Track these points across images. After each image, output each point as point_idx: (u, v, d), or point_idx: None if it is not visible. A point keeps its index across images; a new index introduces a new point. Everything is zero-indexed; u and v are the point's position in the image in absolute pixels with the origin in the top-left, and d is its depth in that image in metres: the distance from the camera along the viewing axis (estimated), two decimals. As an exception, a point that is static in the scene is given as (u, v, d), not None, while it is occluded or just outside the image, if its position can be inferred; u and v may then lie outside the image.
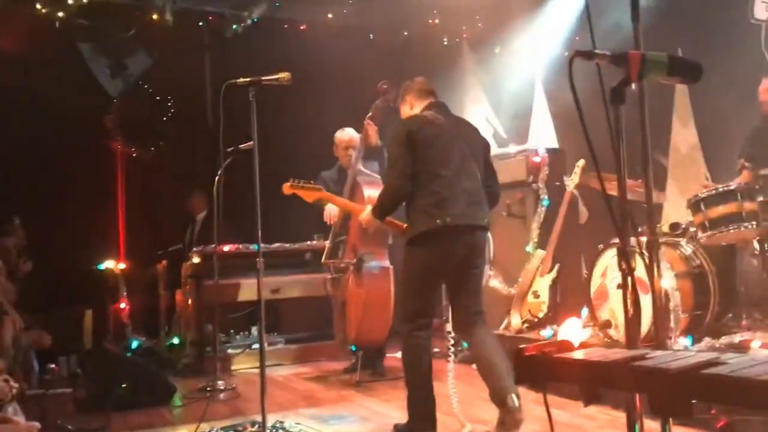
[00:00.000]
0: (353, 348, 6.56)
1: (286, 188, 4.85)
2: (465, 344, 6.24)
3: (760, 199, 4.42)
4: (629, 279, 1.61)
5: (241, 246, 6.38)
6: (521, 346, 1.27)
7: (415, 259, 3.73)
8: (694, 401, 1.10)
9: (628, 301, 1.61)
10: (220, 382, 5.33)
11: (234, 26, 7.25)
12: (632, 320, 1.62)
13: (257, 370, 3.91)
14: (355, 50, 7.45)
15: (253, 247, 5.88)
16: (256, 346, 6.08)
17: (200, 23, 7.28)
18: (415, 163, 3.66)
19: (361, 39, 7.75)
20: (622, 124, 1.63)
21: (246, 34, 7.32)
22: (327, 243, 5.57)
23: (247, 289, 6.16)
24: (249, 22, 7.23)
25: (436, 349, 6.36)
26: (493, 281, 6.13)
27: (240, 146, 5.06)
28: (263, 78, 3.69)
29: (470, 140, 3.90)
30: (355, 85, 6.99)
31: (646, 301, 3.79)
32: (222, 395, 5.20)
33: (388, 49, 7.74)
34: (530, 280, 5.60)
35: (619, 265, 1.62)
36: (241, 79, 3.70)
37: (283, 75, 3.70)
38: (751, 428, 2.81)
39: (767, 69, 5.87)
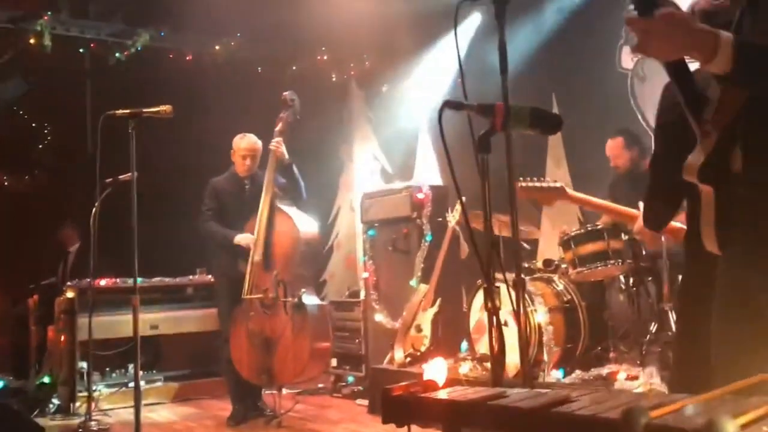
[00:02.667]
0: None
1: (520, 191, 3.69)
2: (350, 379, 6.27)
3: (625, 237, 4.72)
4: (494, 317, 1.68)
5: (118, 280, 6.17)
6: (388, 387, 1.31)
7: None
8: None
9: (493, 338, 1.68)
10: (93, 423, 5.10)
11: (117, 54, 7.07)
12: (497, 358, 1.69)
13: (134, 410, 3.77)
14: (242, 83, 7.43)
15: (131, 281, 5.67)
16: (132, 384, 5.84)
17: (81, 50, 7.06)
18: None
19: (248, 72, 7.74)
20: (488, 170, 1.72)
21: (130, 62, 7.16)
22: (247, 276, 5.05)
23: (125, 325, 5.92)
24: (133, 50, 7.07)
25: (320, 385, 6.39)
26: (378, 315, 6.20)
27: (119, 177, 4.95)
28: (144, 110, 3.64)
29: None
30: (242, 118, 6.95)
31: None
32: (94, 436, 4.98)
33: (276, 82, 7.75)
34: (413, 315, 5.69)
35: (485, 304, 1.69)
36: (121, 111, 3.64)
37: (165, 108, 3.66)
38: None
39: (632, 114, 6.30)
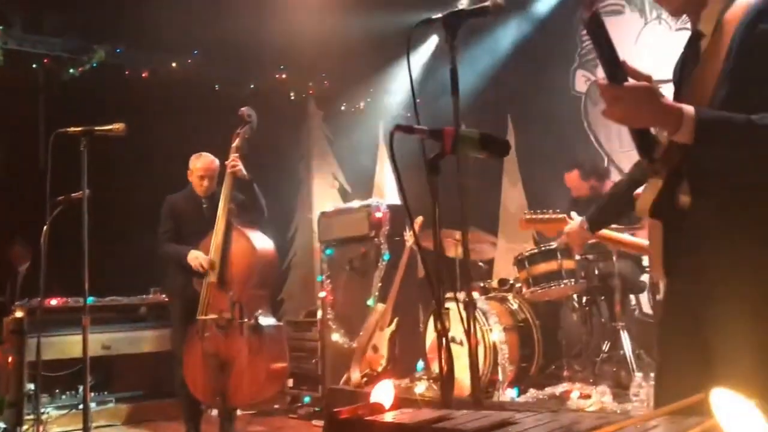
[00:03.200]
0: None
1: (522, 223, 3.88)
2: (306, 399, 6.23)
3: (578, 258, 4.80)
4: (444, 339, 1.70)
5: (69, 300, 6.04)
6: (335, 410, 1.31)
7: None
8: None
9: (443, 359, 1.70)
10: (40, 446, 4.97)
11: (71, 70, 6.98)
12: (447, 378, 1.71)
13: (82, 433, 3.69)
14: (199, 101, 7.39)
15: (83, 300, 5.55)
16: (82, 406, 5.71)
17: (34, 65, 6.96)
18: None
19: (205, 90, 7.70)
20: (438, 193, 1.75)
21: (85, 78, 7.07)
22: (202, 296, 4.88)
23: (75, 346, 5.80)
24: (88, 66, 6.99)
25: (276, 405, 6.33)
26: (335, 335, 6.18)
27: (71, 195, 4.85)
28: (96, 128, 3.60)
29: None
30: (199, 136, 6.90)
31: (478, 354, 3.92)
32: (42, 461, 4.84)
33: (234, 101, 7.71)
34: (370, 334, 5.69)
35: (435, 327, 1.71)
36: (72, 129, 3.59)
37: (117, 126, 3.61)
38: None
39: (586, 136, 6.43)
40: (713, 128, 1.66)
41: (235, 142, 5.03)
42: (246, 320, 4.78)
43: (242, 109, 5.15)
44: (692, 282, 1.83)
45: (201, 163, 5.19)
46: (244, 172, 4.96)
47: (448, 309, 1.71)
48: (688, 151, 1.73)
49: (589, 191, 5.26)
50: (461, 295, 2.24)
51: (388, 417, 1.29)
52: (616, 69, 1.62)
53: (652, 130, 1.84)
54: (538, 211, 3.77)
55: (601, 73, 5.38)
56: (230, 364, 4.81)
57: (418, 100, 7.40)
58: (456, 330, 3.96)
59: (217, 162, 5.22)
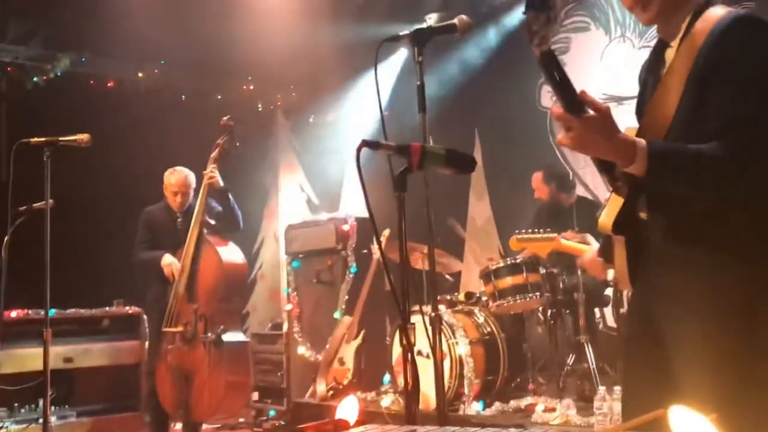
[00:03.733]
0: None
1: (513, 243, 3.97)
2: (271, 413, 6.17)
3: (543, 271, 4.85)
4: (409, 354, 1.70)
5: (30, 311, 5.92)
6: (300, 426, 1.31)
7: None
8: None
9: (408, 374, 1.70)
10: (-2, 463, 4.86)
11: (35, 78, 6.88)
12: (412, 393, 1.71)
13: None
14: (165, 111, 7.32)
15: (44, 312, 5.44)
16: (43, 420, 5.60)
17: (-4, 73, 6.85)
18: None
19: (172, 99, 7.64)
20: (404, 209, 1.76)
21: (49, 87, 6.97)
22: (168, 307, 4.83)
23: (36, 359, 5.67)
24: (52, 75, 6.89)
25: (240, 419, 6.26)
26: (301, 348, 6.15)
27: (33, 206, 4.77)
28: (60, 138, 3.55)
29: None
30: (165, 146, 6.84)
31: (444, 367, 3.96)
32: (0, 477, 4.74)
33: (201, 111, 7.68)
34: (337, 347, 5.67)
35: (400, 341, 1.71)
36: (36, 139, 3.54)
37: (82, 137, 3.57)
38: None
39: (552, 151, 6.50)
40: (665, 163, 1.69)
41: (215, 153, 4.97)
42: (209, 335, 4.73)
43: (224, 118, 5.08)
44: (651, 298, 1.87)
45: (175, 179, 5.10)
46: (221, 182, 4.91)
47: (413, 324, 1.72)
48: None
49: (548, 196, 5.32)
50: (427, 309, 2.25)
51: (353, 433, 1.29)
52: (573, 100, 1.62)
53: None
54: (529, 230, 3.87)
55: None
56: (191, 377, 4.78)
57: (387, 113, 7.41)
58: (422, 343, 3.96)
59: (191, 176, 5.16)
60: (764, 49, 1.72)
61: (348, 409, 1.33)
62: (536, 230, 3.86)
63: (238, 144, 5.13)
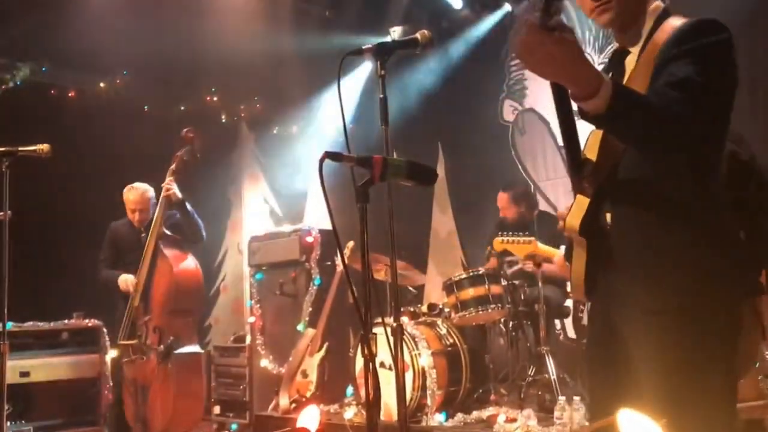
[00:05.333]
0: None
1: (497, 244, 4.50)
2: (233, 426, 6.12)
3: (504, 283, 4.90)
4: (371, 364, 1.72)
5: (-14, 325, 5.80)
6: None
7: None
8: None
9: (369, 385, 1.72)
10: (-50, 480, 4.73)
11: (-6, 87, 6.78)
12: (373, 404, 1.73)
13: (-4, 465, 3.54)
14: (127, 121, 7.25)
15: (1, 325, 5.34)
16: (-2, 436, 5.48)
17: (-46, 81, 6.73)
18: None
19: (134, 110, 7.57)
20: (366, 220, 1.78)
21: (8, 96, 6.86)
22: (123, 320, 4.88)
23: (-8, 373, 5.58)
24: (12, 84, 6.79)
25: (201, 433, 6.20)
26: (264, 361, 6.12)
27: (-9, 217, 4.69)
28: (20, 149, 3.50)
29: None
30: (127, 157, 6.78)
31: (407, 379, 3.98)
32: (-48, 495, 4.61)
33: (164, 122, 7.62)
34: (300, 360, 5.65)
35: (362, 351, 1.73)
36: (-6, 149, 3.48)
37: (42, 147, 3.52)
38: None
39: (514, 165, 6.59)
40: (627, 100, 1.65)
41: (174, 165, 4.97)
42: (160, 347, 4.74)
43: (184, 130, 5.08)
44: (611, 305, 1.90)
45: (132, 195, 5.12)
46: (179, 195, 4.90)
47: (375, 334, 1.73)
48: (611, 170, 1.81)
49: (516, 215, 5.39)
50: (389, 320, 2.27)
51: (314, 442, 1.31)
52: (548, 16, 1.51)
53: (582, 150, 1.91)
54: (510, 233, 4.49)
55: (528, 103, 5.58)
56: (146, 390, 4.82)
57: (351, 126, 7.44)
58: (385, 355, 3.98)
59: (150, 192, 5.16)
60: (720, 51, 1.75)
61: (309, 418, 1.34)
62: (518, 233, 4.46)
63: (198, 155, 5.13)
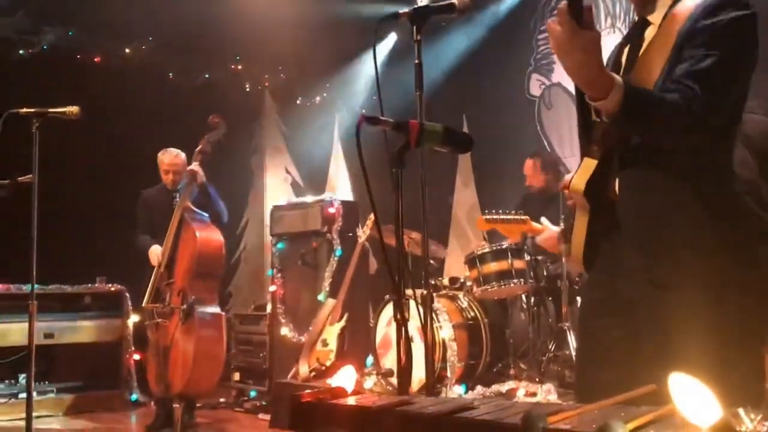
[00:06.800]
0: (133, 398, 6.26)
1: (481, 223, 4.00)
2: (252, 393, 6.18)
3: (528, 258, 4.88)
4: (403, 329, 1.72)
5: (12, 287, 5.89)
6: (297, 393, 1.32)
7: None
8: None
9: (402, 349, 1.72)
10: (-23, 436, 4.84)
11: (21, 51, 6.79)
12: (405, 368, 1.73)
13: (22, 422, 3.60)
14: (152, 88, 7.27)
15: (26, 287, 5.43)
16: (23, 395, 5.58)
17: (-18, 45, 6.76)
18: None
19: (159, 77, 7.58)
20: (401, 186, 1.76)
21: (35, 60, 6.89)
22: (150, 284, 5.09)
23: (15, 333, 5.67)
24: (39, 48, 6.81)
25: (221, 399, 6.27)
26: (284, 329, 6.16)
27: (18, 179, 4.72)
28: (50, 110, 3.51)
29: None
30: (151, 123, 6.80)
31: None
32: (-22, 450, 4.72)
33: (188, 89, 7.63)
34: (320, 329, 5.68)
35: (395, 316, 1.72)
36: (25, 110, 3.49)
37: (72, 109, 3.53)
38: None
39: (539, 139, 6.53)
40: (638, 104, 1.68)
41: (200, 147, 5.21)
42: (183, 306, 4.89)
43: (212, 116, 5.33)
44: (615, 273, 1.89)
45: (167, 158, 5.39)
46: (203, 178, 5.15)
47: (408, 299, 1.73)
48: (621, 138, 1.81)
49: (543, 184, 5.35)
50: (418, 292, 2.26)
51: (351, 401, 1.31)
52: (578, 12, 1.60)
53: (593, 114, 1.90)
54: (499, 210, 3.86)
55: (555, 77, 5.46)
56: (168, 350, 4.94)
57: (374, 98, 7.38)
58: (409, 326, 3.99)
59: (182, 156, 5.39)
60: (742, 27, 1.75)
61: (345, 378, 1.34)
62: (507, 212, 3.87)
63: (223, 140, 5.38)
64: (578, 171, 1.93)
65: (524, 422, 1.00)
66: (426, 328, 2.04)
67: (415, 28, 2.15)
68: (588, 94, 1.71)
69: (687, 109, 1.67)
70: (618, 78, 1.68)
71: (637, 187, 1.83)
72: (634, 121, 1.71)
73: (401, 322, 1.70)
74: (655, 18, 1.88)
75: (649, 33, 1.88)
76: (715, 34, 1.72)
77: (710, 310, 1.70)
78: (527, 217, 3.71)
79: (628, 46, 1.96)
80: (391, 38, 7.25)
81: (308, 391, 1.32)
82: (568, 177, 2.00)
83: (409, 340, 1.71)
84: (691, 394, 0.91)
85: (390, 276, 1.74)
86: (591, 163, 1.90)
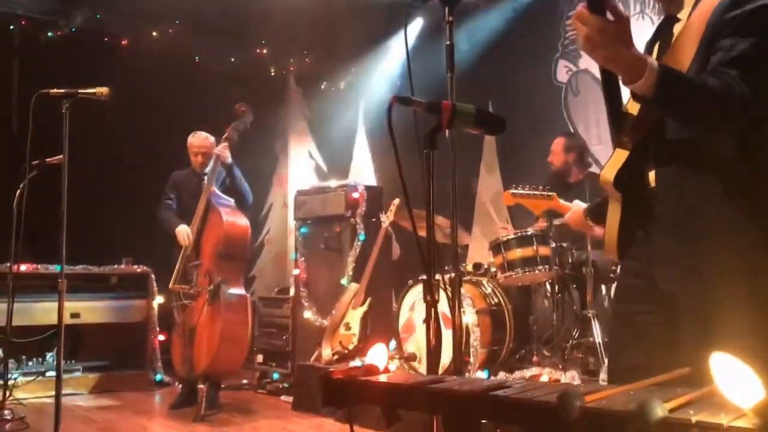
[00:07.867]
0: (158, 378, 6.34)
1: (507, 197, 3.88)
2: (275, 375, 6.23)
3: (553, 245, 4.85)
4: (433, 310, 1.72)
5: (40, 266, 5.97)
6: (330, 369, 1.32)
7: None
8: (483, 421, 1.22)
9: (431, 330, 1.72)
10: (6, 412, 4.91)
11: (49, 33, 6.85)
12: (434, 349, 1.73)
13: (50, 399, 3.65)
14: (179, 71, 7.30)
15: (55, 267, 5.51)
16: (50, 373, 5.67)
17: (11, 26, 6.81)
18: None
19: (185, 61, 7.61)
20: (433, 168, 1.76)
21: (62, 42, 6.95)
22: (177, 266, 5.23)
23: (43, 313, 5.76)
24: (67, 30, 6.86)
25: (244, 381, 6.33)
26: (307, 313, 6.19)
27: (47, 160, 4.78)
28: (80, 91, 3.54)
29: None
30: (178, 106, 6.84)
31: (447, 335, 3.99)
32: (8, 426, 4.79)
33: (214, 73, 7.65)
34: (343, 313, 5.71)
35: (424, 297, 1.72)
36: (55, 90, 3.53)
37: (102, 89, 3.56)
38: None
39: (565, 126, 6.47)
40: (673, 85, 1.68)
41: (227, 133, 5.36)
42: (209, 287, 4.99)
43: (238, 104, 5.47)
44: (652, 261, 1.88)
45: (196, 140, 5.55)
46: (229, 160, 5.30)
47: (438, 280, 1.73)
48: (655, 126, 1.78)
49: (563, 165, 5.31)
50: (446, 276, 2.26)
51: (382, 378, 1.31)
52: (598, 2, 1.59)
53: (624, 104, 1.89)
54: (527, 186, 3.74)
55: (583, 64, 5.33)
56: (193, 331, 5.05)
57: (399, 84, 7.35)
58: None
59: (211, 139, 5.51)
60: None
61: (377, 355, 1.34)
62: (534, 186, 3.76)
63: (249, 127, 5.53)
64: (609, 162, 1.92)
65: (561, 400, 1.00)
66: (454, 311, 2.04)
67: (447, 9, 2.14)
68: (623, 77, 1.70)
69: (727, 92, 1.65)
70: (652, 59, 1.67)
71: (675, 175, 1.82)
72: (671, 101, 1.70)
73: (431, 303, 1.70)
74: (683, 14, 1.88)
75: (678, 28, 1.89)
76: (745, 21, 1.72)
77: (751, 296, 1.69)
78: (554, 193, 3.63)
79: (658, 43, 1.97)
80: (417, 23, 7.21)
81: (340, 368, 1.33)
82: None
83: (439, 321, 1.71)
84: (733, 375, 0.90)
85: (421, 257, 1.73)
86: (622, 154, 1.89)
